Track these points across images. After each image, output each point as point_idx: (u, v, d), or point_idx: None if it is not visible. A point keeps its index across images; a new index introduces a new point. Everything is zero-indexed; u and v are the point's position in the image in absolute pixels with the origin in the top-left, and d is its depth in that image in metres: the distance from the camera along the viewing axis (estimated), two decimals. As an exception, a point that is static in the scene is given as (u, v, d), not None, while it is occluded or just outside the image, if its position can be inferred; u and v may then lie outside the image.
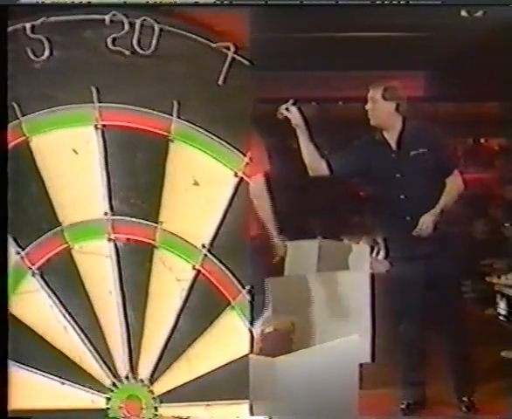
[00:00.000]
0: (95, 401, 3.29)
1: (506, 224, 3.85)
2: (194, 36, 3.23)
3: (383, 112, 3.73)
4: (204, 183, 3.26)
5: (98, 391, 3.28)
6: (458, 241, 3.75)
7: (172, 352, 3.26)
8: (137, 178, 3.26)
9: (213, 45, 3.23)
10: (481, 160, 4.12)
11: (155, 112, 3.24)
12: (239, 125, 3.24)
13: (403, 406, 3.66)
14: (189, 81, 3.25)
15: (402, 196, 3.71)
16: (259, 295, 3.35)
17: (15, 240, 3.26)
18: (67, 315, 3.25)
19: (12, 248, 3.26)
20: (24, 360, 3.26)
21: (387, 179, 3.73)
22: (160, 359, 3.26)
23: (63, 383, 3.27)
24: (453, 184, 3.73)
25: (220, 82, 3.24)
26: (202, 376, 3.26)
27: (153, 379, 3.28)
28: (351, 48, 3.76)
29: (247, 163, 3.25)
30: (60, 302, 3.25)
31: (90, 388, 3.28)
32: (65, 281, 3.26)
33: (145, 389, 3.28)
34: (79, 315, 3.26)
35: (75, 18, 3.24)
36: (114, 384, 3.29)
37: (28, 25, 3.23)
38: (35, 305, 3.26)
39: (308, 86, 3.93)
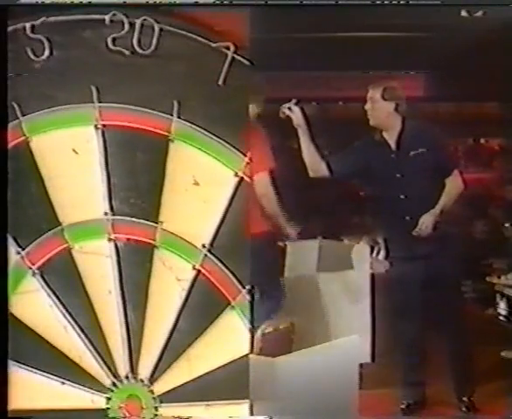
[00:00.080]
0: (95, 401, 3.28)
1: (506, 224, 3.86)
2: (194, 36, 3.23)
3: (382, 112, 3.73)
4: (204, 183, 3.26)
5: (98, 391, 3.28)
6: (458, 241, 3.75)
7: (172, 352, 3.26)
8: (137, 178, 3.26)
9: (213, 45, 3.23)
10: (481, 160, 4.13)
11: (155, 112, 3.24)
12: (239, 125, 3.23)
13: (403, 406, 3.67)
14: (189, 81, 3.25)
15: (402, 196, 3.72)
16: (263, 294, 3.36)
17: (15, 240, 3.26)
18: (67, 315, 3.25)
19: (12, 248, 3.26)
20: (24, 360, 3.25)
21: (387, 179, 3.74)
22: (160, 359, 3.26)
23: (63, 383, 3.26)
24: (453, 184, 3.74)
25: (220, 82, 3.24)
26: (202, 376, 3.25)
27: (153, 379, 3.28)
28: (351, 48, 3.77)
29: (247, 163, 3.25)
30: (60, 302, 3.25)
31: (90, 387, 3.27)
32: (65, 281, 3.26)
33: (145, 389, 3.28)
34: (79, 315, 3.25)
35: (75, 18, 3.23)
36: (114, 384, 3.28)
37: (28, 25, 3.23)
38: (35, 305, 3.26)
39: (308, 86, 3.93)
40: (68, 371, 3.26)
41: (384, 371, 3.70)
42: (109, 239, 3.25)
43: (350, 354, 3.40)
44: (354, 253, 3.72)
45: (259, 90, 3.51)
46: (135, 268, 3.25)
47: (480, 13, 3.41)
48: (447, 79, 4.01)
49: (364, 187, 3.91)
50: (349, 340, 3.46)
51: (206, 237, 3.25)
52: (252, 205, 3.28)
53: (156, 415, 3.29)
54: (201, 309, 3.25)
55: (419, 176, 3.70)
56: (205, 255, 3.25)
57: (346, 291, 3.69)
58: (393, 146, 3.75)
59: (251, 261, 3.21)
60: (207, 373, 3.25)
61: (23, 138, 3.25)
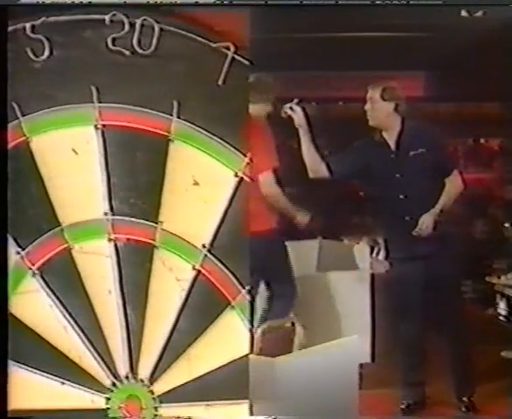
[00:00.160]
0: (95, 401, 3.28)
1: (506, 224, 3.86)
2: (194, 36, 3.23)
3: (381, 112, 3.73)
4: (204, 183, 3.26)
5: (98, 391, 3.28)
6: (458, 241, 3.76)
7: (172, 352, 3.26)
8: (137, 178, 3.25)
9: (213, 45, 3.23)
10: (481, 160, 4.13)
11: (154, 112, 3.24)
12: (239, 125, 3.23)
13: (403, 406, 3.67)
14: (189, 81, 3.25)
15: (401, 196, 3.72)
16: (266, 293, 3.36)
17: (15, 240, 3.25)
18: (67, 315, 3.25)
19: (12, 248, 3.26)
20: (23, 360, 3.25)
21: (387, 179, 3.74)
22: (160, 359, 3.26)
23: (63, 383, 3.26)
24: (453, 184, 3.74)
25: (220, 82, 3.23)
26: (202, 376, 3.25)
27: (153, 379, 3.28)
28: (351, 48, 3.77)
29: (247, 163, 3.25)
30: (60, 302, 3.25)
31: (90, 388, 3.27)
32: (65, 281, 3.26)
33: (145, 389, 3.28)
34: (79, 315, 3.25)
35: (75, 18, 3.23)
36: (113, 384, 3.28)
37: (28, 25, 3.23)
38: (35, 305, 3.26)
39: (308, 86, 3.93)
40: (68, 371, 3.25)
41: (383, 371, 3.71)
42: (109, 239, 3.25)
43: (350, 354, 3.40)
44: (356, 251, 3.72)
45: (270, 89, 3.52)
46: (135, 268, 3.25)
47: (480, 13, 3.42)
48: (447, 79, 4.01)
49: (364, 187, 3.91)
50: (349, 340, 3.45)
51: (206, 238, 3.25)
52: (252, 205, 3.28)
53: (156, 415, 3.29)
54: (201, 309, 3.25)
55: (419, 176, 3.70)
56: (205, 255, 3.24)
57: (346, 291, 3.70)
58: (393, 146, 3.75)
59: (250, 260, 3.21)
60: (207, 373, 3.25)
61: (23, 138, 3.25)
